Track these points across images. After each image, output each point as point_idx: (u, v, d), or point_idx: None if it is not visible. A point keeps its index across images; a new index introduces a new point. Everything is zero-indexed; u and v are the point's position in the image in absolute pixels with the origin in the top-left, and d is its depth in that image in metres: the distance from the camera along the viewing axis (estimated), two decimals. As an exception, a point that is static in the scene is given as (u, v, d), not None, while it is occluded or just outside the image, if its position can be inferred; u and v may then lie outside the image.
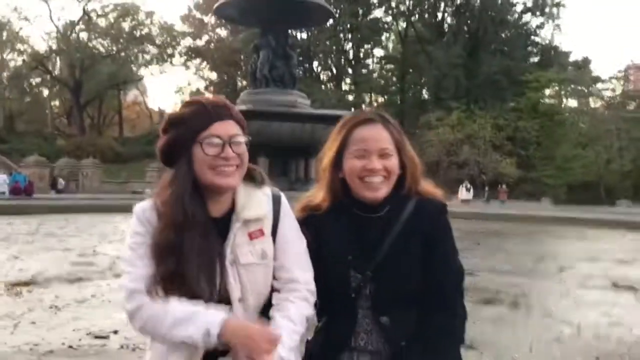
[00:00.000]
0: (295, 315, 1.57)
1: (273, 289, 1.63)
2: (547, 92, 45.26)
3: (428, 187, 1.76)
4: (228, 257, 1.55)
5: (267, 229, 1.62)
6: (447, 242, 1.70)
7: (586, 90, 44.43)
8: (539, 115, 42.29)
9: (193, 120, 1.54)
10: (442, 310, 1.64)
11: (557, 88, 45.05)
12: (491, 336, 3.81)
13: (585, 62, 52.87)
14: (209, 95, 1.64)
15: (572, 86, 44.57)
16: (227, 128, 1.55)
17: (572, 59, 52.98)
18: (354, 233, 1.68)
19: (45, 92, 62.59)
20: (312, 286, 1.64)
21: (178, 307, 1.46)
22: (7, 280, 5.57)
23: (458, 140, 37.95)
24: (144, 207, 1.57)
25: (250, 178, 1.66)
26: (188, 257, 1.48)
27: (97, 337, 3.57)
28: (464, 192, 28.55)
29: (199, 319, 1.44)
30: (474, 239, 11.15)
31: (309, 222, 1.73)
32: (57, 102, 66.12)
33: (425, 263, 1.65)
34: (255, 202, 1.61)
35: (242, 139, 1.57)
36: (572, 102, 47.24)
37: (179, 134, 1.54)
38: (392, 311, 1.64)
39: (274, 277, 1.63)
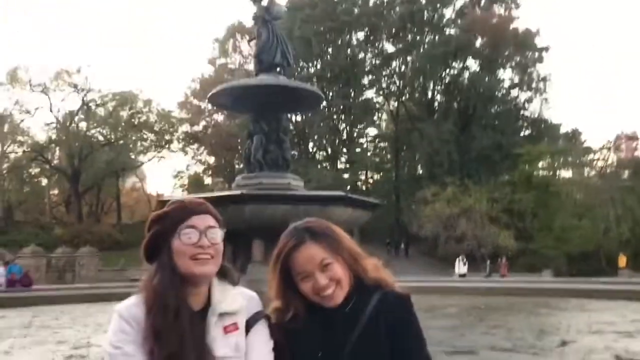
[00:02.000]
0: None
1: None
2: (540, 164, 45.88)
3: (375, 270, 1.83)
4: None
5: (241, 325, 1.70)
6: (410, 334, 1.74)
7: (578, 161, 45.07)
8: (534, 187, 42.66)
9: (173, 214, 1.70)
10: None
11: (549, 160, 45.69)
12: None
13: (576, 133, 53.96)
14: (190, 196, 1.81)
15: (564, 157, 45.23)
16: (204, 220, 1.70)
17: (562, 130, 54.12)
18: (323, 330, 1.75)
19: (44, 182, 63.12)
20: None
21: None
22: (-3, 377, 5.46)
23: (454, 214, 38.08)
24: (127, 305, 1.65)
25: (224, 276, 1.77)
26: (186, 339, 1.56)
27: None
28: (461, 266, 28.36)
29: None
30: (475, 315, 11.00)
31: (283, 324, 1.80)
32: (55, 191, 66.58)
33: (392, 356, 1.70)
34: (230, 297, 1.71)
35: (218, 231, 1.71)
36: (566, 173, 47.83)
37: (161, 227, 1.70)
38: None
39: None
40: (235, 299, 1.72)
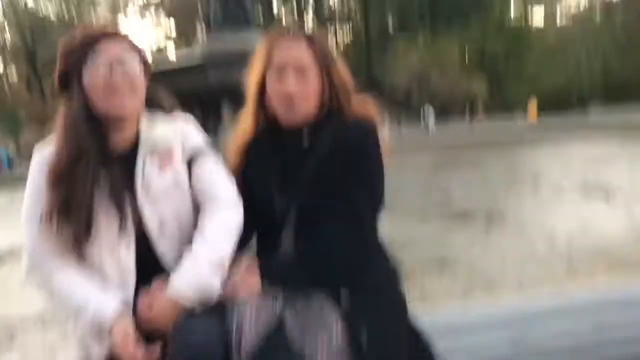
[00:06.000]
0: (211, 231, 1.48)
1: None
2: (512, 9, 44.75)
3: (362, 107, 1.62)
4: (139, 188, 1.48)
5: (177, 156, 1.54)
6: (366, 164, 1.54)
7: (552, 10, 44.04)
8: (505, 36, 41.90)
9: (80, 41, 1.45)
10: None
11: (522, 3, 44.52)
12: (465, 255, 3.77)
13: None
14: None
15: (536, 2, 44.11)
16: (115, 48, 1.45)
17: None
18: (278, 160, 1.60)
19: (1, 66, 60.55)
20: (234, 195, 1.55)
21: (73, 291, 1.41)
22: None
23: (427, 67, 37.56)
24: (43, 153, 1.47)
25: (156, 105, 1.59)
26: (82, 185, 1.38)
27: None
28: (430, 117, 27.43)
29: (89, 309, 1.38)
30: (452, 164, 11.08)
31: (240, 150, 1.67)
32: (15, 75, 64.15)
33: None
34: (160, 129, 1.54)
35: (133, 61, 1.47)
36: (538, 17, 46.81)
37: (71, 58, 1.45)
38: (314, 238, 1.51)
39: (197, 205, 1.56)
40: (166, 131, 1.54)
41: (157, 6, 57.82)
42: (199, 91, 9.51)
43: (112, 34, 1.47)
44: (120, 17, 58.24)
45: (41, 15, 53.69)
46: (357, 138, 1.55)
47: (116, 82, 1.42)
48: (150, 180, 1.49)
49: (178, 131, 1.57)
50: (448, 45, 38.57)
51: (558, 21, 45.76)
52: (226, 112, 9.97)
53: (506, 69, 41.47)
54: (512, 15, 44.74)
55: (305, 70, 1.54)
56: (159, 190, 1.49)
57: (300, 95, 1.54)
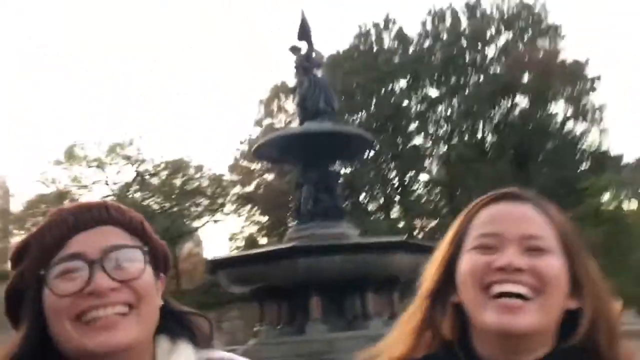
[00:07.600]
0: None
1: None
2: (606, 197, 43.60)
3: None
4: None
5: None
6: None
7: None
8: (602, 222, 40.31)
9: (42, 239, 0.91)
10: None
11: (614, 192, 43.40)
12: None
13: (640, 162, 51.39)
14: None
15: (631, 188, 42.86)
16: (99, 239, 0.92)
17: (625, 160, 51.64)
18: None
19: (104, 254, 64.39)
20: None
21: None
22: None
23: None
24: None
25: (182, 330, 1.03)
26: None
27: None
28: None
29: None
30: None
31: None
32: (115, 262, 67.83)
33: None
34: None
35: (133, 254, 0.93)
36: (634, 205, 45.21)
37: (24, 267, 0.92)
38: None
39: None
40: None
41: (252, 203, 61.08)
42: (287, 281, 9.22)
43: (95, 220, 0.94)
44: (218, 214, 61.89)
45: (145, 207, 57.34)
46: None
47: (101, 291, 0.86)
48: None
49: None
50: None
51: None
52: (316, 303, 9.49)
53: (607, 260, 39.15)
54: (605, 202, 43.42)
55: (534, 242, 0.89)
56: None
57: (527, 281, 0.85)
